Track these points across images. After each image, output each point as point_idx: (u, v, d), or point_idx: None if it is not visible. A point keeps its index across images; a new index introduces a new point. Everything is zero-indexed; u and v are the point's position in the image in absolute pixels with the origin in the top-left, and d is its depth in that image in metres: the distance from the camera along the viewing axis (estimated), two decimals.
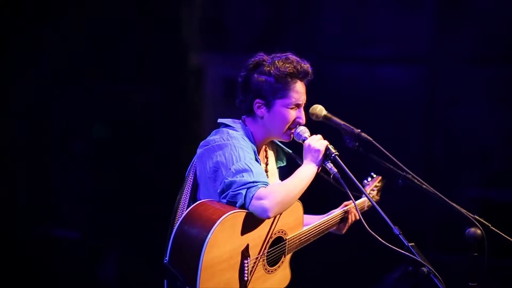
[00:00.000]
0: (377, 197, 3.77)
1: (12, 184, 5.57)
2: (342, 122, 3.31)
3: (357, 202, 3.55)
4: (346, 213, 3.50)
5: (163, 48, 5.63)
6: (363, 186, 3.71)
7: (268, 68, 3.08)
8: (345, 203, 3.52)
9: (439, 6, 5.73)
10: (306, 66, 3.12)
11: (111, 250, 5.77)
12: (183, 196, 3.09)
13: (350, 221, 3.51)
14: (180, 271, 2.85)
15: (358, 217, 3.47)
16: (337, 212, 3.47)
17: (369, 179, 3.77)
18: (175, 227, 2.92)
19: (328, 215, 3.44)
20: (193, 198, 3.10)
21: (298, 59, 3.12)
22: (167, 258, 2.89)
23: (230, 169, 2.92)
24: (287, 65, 3.08)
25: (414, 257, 2.77)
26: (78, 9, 5.50)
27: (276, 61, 3.09)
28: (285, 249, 3.14)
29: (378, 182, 3.79)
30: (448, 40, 5.72)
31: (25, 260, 5.46)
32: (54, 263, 5.55)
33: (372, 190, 3.75)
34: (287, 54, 3.13)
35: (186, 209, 3.01)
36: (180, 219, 2.93)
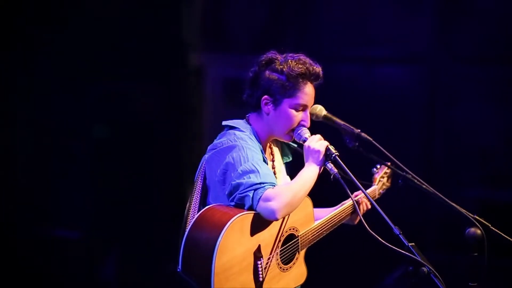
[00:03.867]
0: (388, 184, 3.77)
1: (12, 184, 5.57)
2: (342, 122, 3.31)
3: (368, 191, 3.55)
4: (357, 203, 3.46)
5: (163, 48, 5.64)
6: (372, 174, 3.73)
7: (281, 66, 3.09)
8: (355, 193, 3.48)
9: (439, 6, 5.73)
10: (318, 69, 3.13)
11: (111, 250, 5.78)
12: (193, 202, 3.07)
13: (362, 211, 3.49)
14: (194, 279, 2.85)
15: (369, 206, 3.47)
16: (348, 203, 3.44)
17: (378, 166, 3.78)
18: (185, 235, 2.91)
19: (339, 207, 3.42)
20: (203, 202, 3.09)
21: (311, 61, 3.14)
22: (180, 267, 2.88)
23: (237, 170, 2.92)
24: (299, 65, 3.09)
25: (414, 257, 2.77)
26: (78, 9, 5.50)
27: (290, 60, 3.10)
28: (298, 245, 3.12)
29: (388, 169, 3.79)
30: (448, 40, 5.72)
31: (25, 260, 5.46)
32: (54, 263, 5.55)
33: (382, 177, 3.76)
34: (300, 55, 3.14)
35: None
36: (189, 226, 2.92)
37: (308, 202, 3.15)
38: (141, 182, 5.58)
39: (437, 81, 5.81)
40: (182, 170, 5.36)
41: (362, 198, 3.50)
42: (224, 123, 3.19)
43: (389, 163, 3.72)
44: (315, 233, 3.19)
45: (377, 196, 3.66)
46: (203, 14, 5.93)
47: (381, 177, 3.75)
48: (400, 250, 2.77)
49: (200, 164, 3.13)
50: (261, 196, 2.86)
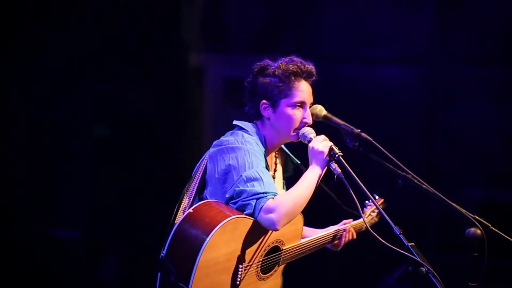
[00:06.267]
0: (376, 219, 3.71)
1: (12, 184, 5.57)
2: (342, 122, 3.31)
3: (355, 222, 3.55)
4: (344, 231, 3.50)
5: (163, 48, 5.64)
6: (364, 206, 3.70)
7: (273, 70, 3.13)
8: (344, 221, 3.53)
9: (439, 6, 5.73)
10: (310, 66, 3.16)
11: (111, 250, 5.78)
12: (188, 192, 3.10)
13: (346, 239, 3.51)
14: (175, 267, 2.87)
15: (355, 236, 3.52)
16: (334, 229, 3.48)
17: (370, 201, 3.75)
18: (177, 223, 2.93)
19: (325, 231, 3.45)
20: (199, 196, 3.11)
21: (302, 60, 3.17)
22: (164, 252, 2.91)
23: (241, 175, 2.95)
24: (290, 65, 3.13)
25: (414, 257, 2.77)
26: (78, 9, 5.50)
27: (280, 63, 3.15)
28: (280, 259, 3.15)
29: (380, 205, 3.76)
30: (448, 40, 5.72)
31: (25, 260, 5.47)
32: (54, 263, 5.55)
33: (373, 212, 3.72)
34: (291, 57, 3.18)
35: (191, 205, 3.03)
36: (183, 216, 2.94)
37: (300, 218, 3.17)
38: (141, 182, 5.58)
39: (437, 82, 5.81)
40: (182, 170, 5.35)
41: (349, 227, 3.51)
42: (235, 122, 3.22)
43: (383, 199, 3.71)
44: (298, 250, 3.22)
45: (363, 229, 3.60)
46: (203, 14, 5.93)
47: (371, 211, 3.71)
48: (400, 250, 2.78)
49: (202, 157, 3.15)
50: (262, 206, 2.89)
